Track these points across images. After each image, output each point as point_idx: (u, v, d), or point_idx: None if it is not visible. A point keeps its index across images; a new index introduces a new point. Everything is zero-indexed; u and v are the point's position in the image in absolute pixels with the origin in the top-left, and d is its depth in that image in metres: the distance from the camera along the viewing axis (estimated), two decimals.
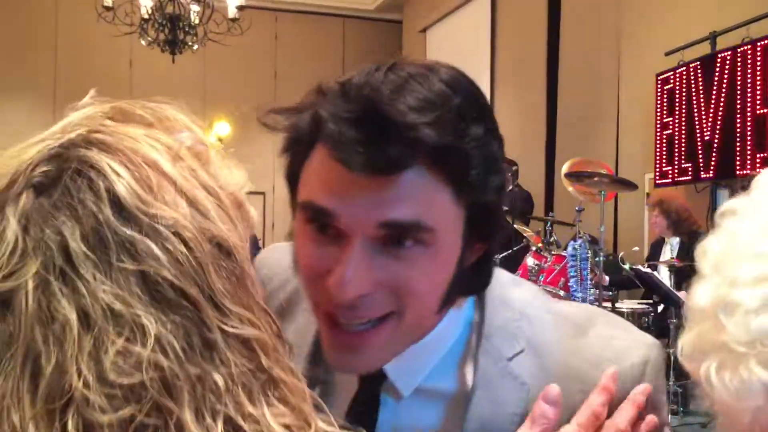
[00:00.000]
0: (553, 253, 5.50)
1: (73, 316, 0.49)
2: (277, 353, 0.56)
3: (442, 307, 0.78)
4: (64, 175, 0.53)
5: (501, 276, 0.87)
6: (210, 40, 8.01)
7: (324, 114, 0.71)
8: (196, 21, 7.91)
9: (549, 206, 7.84)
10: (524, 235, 5.96)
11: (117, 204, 0.52)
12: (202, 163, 0.58)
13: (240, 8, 7.94)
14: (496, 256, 0.84)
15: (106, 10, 7.64)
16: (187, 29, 7.90)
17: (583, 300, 4.93)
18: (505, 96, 9.41)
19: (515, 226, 6.07)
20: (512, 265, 5.91)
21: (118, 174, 0.53)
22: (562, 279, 5.24)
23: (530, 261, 5.54)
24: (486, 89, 9.54)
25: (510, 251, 6.03)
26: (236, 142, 10.75)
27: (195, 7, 7.82)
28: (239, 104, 11.42)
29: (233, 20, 7.93)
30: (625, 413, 0.77)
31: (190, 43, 8.08)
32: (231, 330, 0.53)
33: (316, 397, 0.58)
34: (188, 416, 0.49)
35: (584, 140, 7.62)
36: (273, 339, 0.56)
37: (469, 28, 10.08)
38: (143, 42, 8.12)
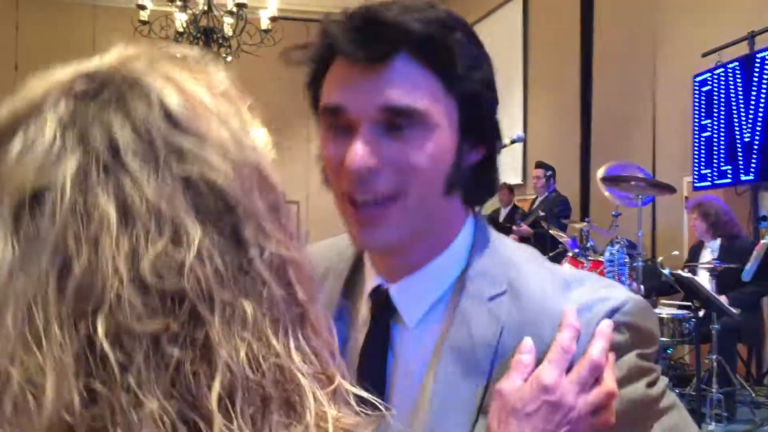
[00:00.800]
0: (590, 258, 5.44)
1: (112, 211, 0.47)
2: (312, 289, 0.55)
3: (445, 191, 0.87)
4: (111, 83, 0.52)
5: (503, 237, 0.96)
6: (243, 51, 8.10)
7: (331, 26, 0.86)
8: (230, 33, 8.00)
9: (585, 211, 7.76)
10: (560, 240, 5.90)
11: (168, 114, 0.51)
12: (236, 109, 0.57)
13: (272, 19, 8.02)
14: (496, 166, 0.93)
15: (142, 24, 7.78)
16: (220, 41, 8.00)
17: None
18: (539, 100, 9.35)
19: (551, 231, 6.01)
20: None
21: (166, 88, 0.52)
22: None
23: (566, 267, 5.47)
24: (519, 93, 9.51)
25: (546, 257, 5.98)
26: (270, 152, 10.84)
27: (228, 20, 7.91)
28: (273, 114, 11.52)
29: (266, 31, 8.01)
30: (597, 345, 0.81)
31: (223, 55, 8.17)
32: (270, 251, 0.51)
33: (338, 355, 0.57)
34: (219, 333, 0.47)
35: (620, 143, 7.53)
36: (309, 270, 0.55)
37: (502, 33, 10.04)
38: (178, 55, 8.23)
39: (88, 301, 0.45)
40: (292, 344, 0.51)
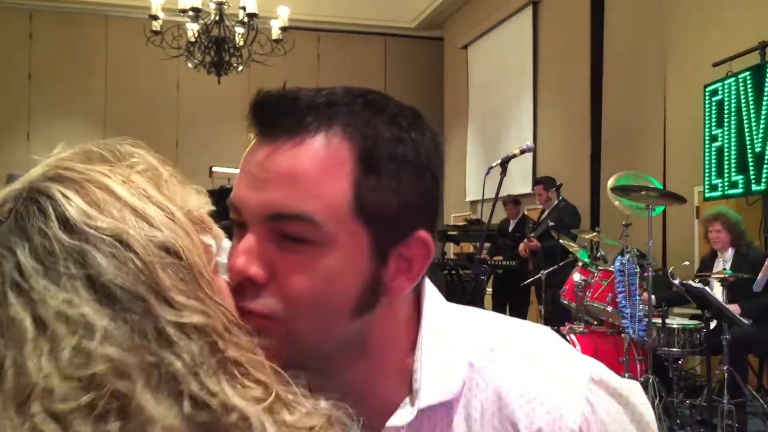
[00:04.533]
0: (600, 268, 5.42)
1: (28, 322, 0.56)
2: (233, 335, 0.62)
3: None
4: (17, 205, 0.60)
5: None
6: (254, 61, 8.15)
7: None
8: (241, 43, 8.05)
9: (595, 221, 7.75)
10: (570, 250, 5.89)
11: (64, 221, 0.59)
12: (155, 185, 0.64)
13: (283, 29, 8.07)
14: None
15: (155, 34, 7.84)
16: (232, 51, 8.05)
17: (632, 316, 4.84)
18: (548, 110, 9.35)
19: (561, 241, 6.00)
20: (558, 280, 5.85)
21: (67, 197, 0.60)
22: (610, 294, 5.16)
23: (576, 276, 5.46)
24: (529, 105, 9.51)
25: (556, 266, 5.97)
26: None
27: (240, 30, 7.96)
28: None
29: (277, 41, 8.06)
30: None
31: (235, 65, 8.23)
32: (181, 320, 0.58)
33: (279, 370, 0.63)
34: (146, 399, 0.55)
35: (631, 153, 7.52)
36: (228, 324, 0.62)
37: (511, 44, 10.06)
38: (190, 65, 8.30)
39: (23, 396, 0.54)
40: (225, 386, 0.58)
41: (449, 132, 12.08)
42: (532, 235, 7.08)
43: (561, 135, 9.03)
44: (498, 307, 8.54)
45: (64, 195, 0.60)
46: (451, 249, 10.53)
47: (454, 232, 9.41)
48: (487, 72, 10.76)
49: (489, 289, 8.12)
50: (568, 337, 5.11)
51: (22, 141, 10.84)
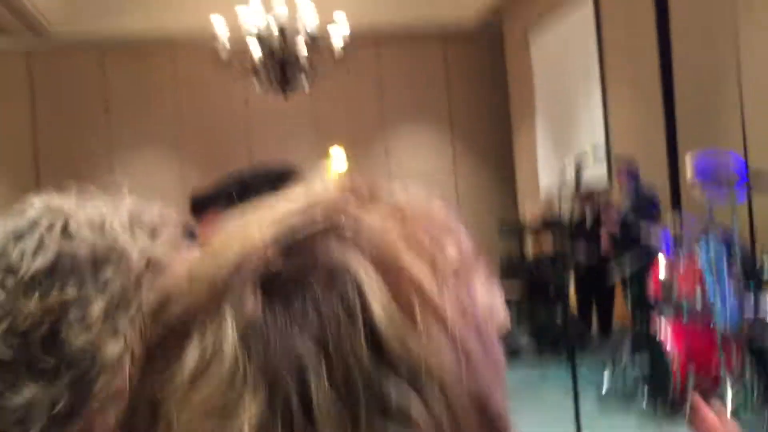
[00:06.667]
0: (684, 259, 5.25)
1: None
2: None
3: None
4: (308, 276, 0.39)
5: None
6: (318, 77, 8.33)
7: None
8: (305, 63, 8.23)
9: (676, 203, 7.52)
10: (651, 241, 5.76)
11: (373, 333, 0.38)
12: (464, 286, 0.43)
13: (344, 47, 8.22)
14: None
15: (221, 58, 8.08)
16: (296, 71, 8.24)
17: (723, 313, 4.69)
18: (618, 97, 9.15)
19: (641, 231, 5.88)
20: (643, 274, 5.68)
21: (375, 286, 0.39)
22: (698, 287, 5.00)
23: (662, 273, 5.32)
24: (597, 91, 9.33)
25: (641, 263, 5.81)
26: (351, 168, 11.02)
27: (303, 51, 8.14)
28: (350, 131, 11.71)
29: (338, 60, 8.22)
30: None
31: (300, 82, 8.41)
32: None
33: None
34: None
35: (707, 129, 7.29)
36: None
37: (574, 30, 9.88)
38: (258, 89, 8.53)
39: None
40: None
41: (517, 125, 11.96)
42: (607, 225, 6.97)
43: (634, 117, 8.82)
44: (583, 306, 8.38)
45: (369, 282, 0.39)
46: (530, 246, 10.38)
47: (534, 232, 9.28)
48: (552, 61, 10.61)
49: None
50: (658, 334, 5.00)
51: (105, 173, 11.30)
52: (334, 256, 0.40)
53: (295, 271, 0.40)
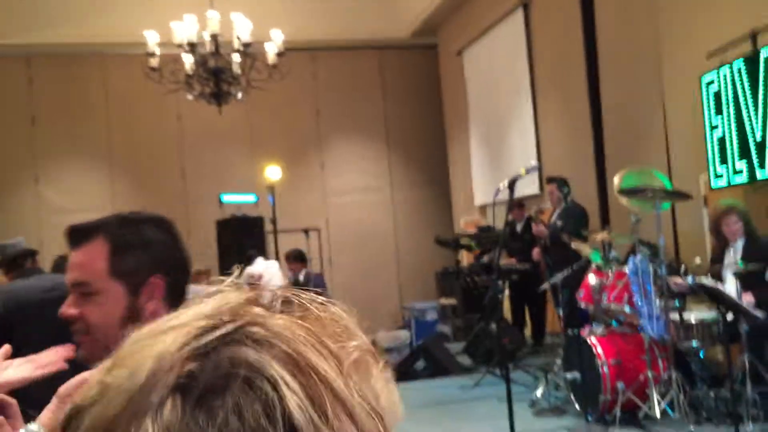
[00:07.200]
0: (614, 269, 5.44)
1: None
2: None
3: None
4: (227, 380, 0.41)
5: None
6: (253, 87, 8.25)
7: None
8: (239, 71, 8.14)
9: (605, 218, 7.77)
10: (581, 252, 5.93)
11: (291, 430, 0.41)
12: (365, 379, 0.46)
13: (279, 54, 8.15)
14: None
15: (152, 70, 7.94)
16: (230, 80, 8.14)
17: (650, 315, 4.88)
18: (548, 110, 9.39)
19: (572, 245, 6.04)
20: (574, 284, 5.87)
21: (290, 388, 0.42)
22: (626, 295, 5.19)
23: (592, 279, 5.50)
24: (528, 105, 9.56)
25: (570, 271, 6.00)
26: (287, 183, 10.97)
27: (237, 58, 8.06)
28: (286, 144, 11.66)
29: (274, 66, 8.14)
30: None
31: (233, 93, 8.32)
32: None
33: None
34: None
35: (634, 148, 7.55)
36: None
37: (505, 46, 10.11)
38: (189, 97, 8.40)
39: None
40: None
41: (451, 138, 12.14)
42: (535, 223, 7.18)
43: (563, 134, 9.07)
44: (516, 311, 8.58)
45: (285, 382, 0.42)
46: (464, 257, 10.56)
47: (466, 242, 9.46)
48: (484, 75, 10.82)
49: (506, 291, 8.16)
50: (588, 340, 5.16)
51: (30, 184, 10.96)
52: (249, 359, 0.42)
53: (212, 377, 0.41)
